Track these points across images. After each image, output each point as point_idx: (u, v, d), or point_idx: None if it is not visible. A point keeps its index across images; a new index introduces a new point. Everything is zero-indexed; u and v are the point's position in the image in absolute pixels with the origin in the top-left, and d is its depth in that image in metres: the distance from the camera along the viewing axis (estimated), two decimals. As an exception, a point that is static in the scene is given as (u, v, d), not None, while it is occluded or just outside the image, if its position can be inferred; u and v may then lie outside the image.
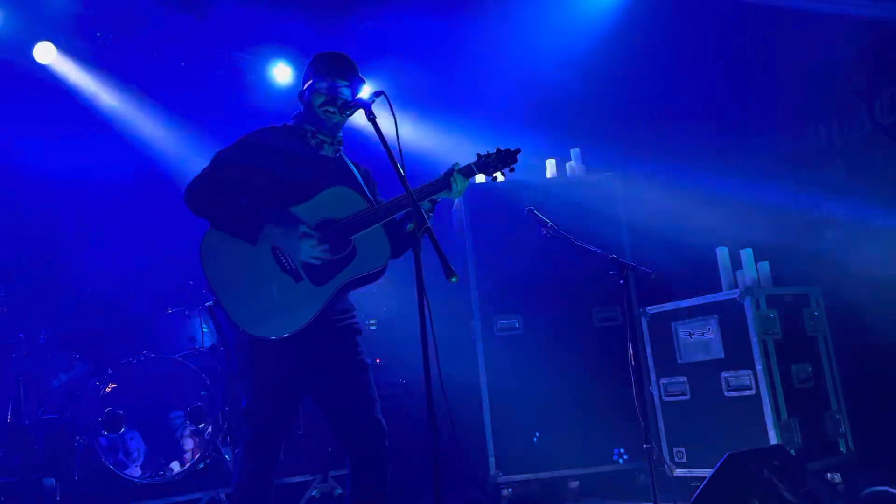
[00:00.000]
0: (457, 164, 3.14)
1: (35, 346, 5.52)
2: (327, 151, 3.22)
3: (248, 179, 3.06)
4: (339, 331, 3.10)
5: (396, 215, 3.08)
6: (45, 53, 6.32)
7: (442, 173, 3.12)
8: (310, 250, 2.96)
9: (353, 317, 3.18)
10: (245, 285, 2.96)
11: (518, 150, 3.25)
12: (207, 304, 3.05)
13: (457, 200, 5.42)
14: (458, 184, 3.09)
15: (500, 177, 3.34)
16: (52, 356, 5.61)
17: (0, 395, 5.37)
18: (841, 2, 5.15)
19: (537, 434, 5.08)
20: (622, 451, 5.07)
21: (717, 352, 4.64)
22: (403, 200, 3.01)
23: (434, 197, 3.12)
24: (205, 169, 3.07)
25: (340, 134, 3.26)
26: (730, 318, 4.58)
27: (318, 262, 2.97)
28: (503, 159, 3.22)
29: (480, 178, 5.50)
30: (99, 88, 6.67)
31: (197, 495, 5.15)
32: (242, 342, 2.99)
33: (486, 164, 3.21)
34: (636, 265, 4.01)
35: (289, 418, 3.09)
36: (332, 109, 3.13)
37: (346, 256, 3.02)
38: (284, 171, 3.08)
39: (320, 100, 3.14)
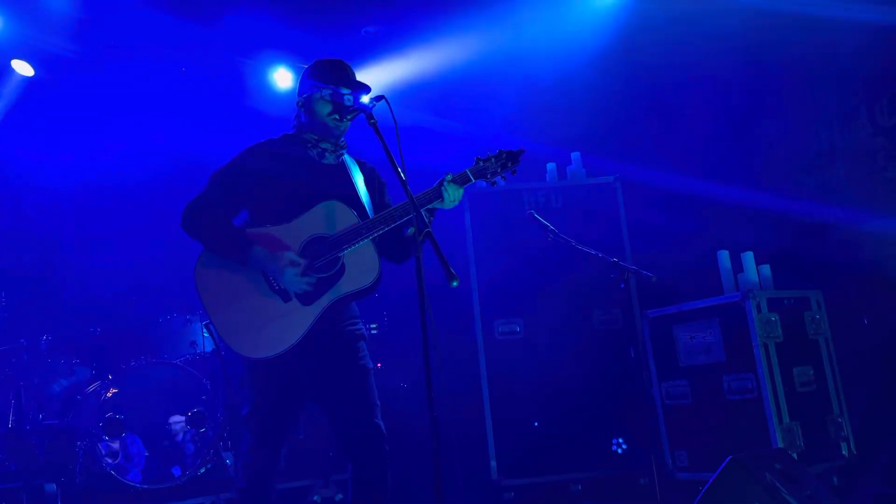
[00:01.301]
0: (449, 174, 3.05)
1: (36, 351, 5.52)
2: (330, 159, 3.22)
3: (247, 194, 3.09)
4: (343, 337, 3.11)
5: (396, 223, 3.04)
6: (23, 69, 6.32)
7: (437, 182, 3.06)
8: (293, 280, 2.96)
9: (357, 323, 3.19)
10: (235, 307, 3.00)
11: (521, 151, 3.12)
12: (205, 323, 3.08)
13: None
14: (451, 193, 3.02)
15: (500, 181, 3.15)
16: (52, 361, 5.61)
17: (1, 400, 5.37)
18: (841, 6, 5.15)
19: (536, 423, 5.06)
20: (620, 440, 5.06)
21: (719, 355, 4.63)
22: (395, 213, 3.01)
23: (429, 206, 3.05)
24: (200, 192, 3.09)
25: (343, 139, 3.26)
26: (731, 321, 4.57)
27: (301, 292, 2.98)
28: (503, 163, 3.09)
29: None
30: (98, 93, 6.67)
31: (198, 500, 5.14)
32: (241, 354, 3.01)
33: (485, 168, 3.08)
34: (637, 268, 4.01)
35: (289, 425, 3.11)
36: (338, 117, 3.13)
37: (335, 274, 3.03)
38: (284, 182, 3.09)
39: (327, 108, 3.13)
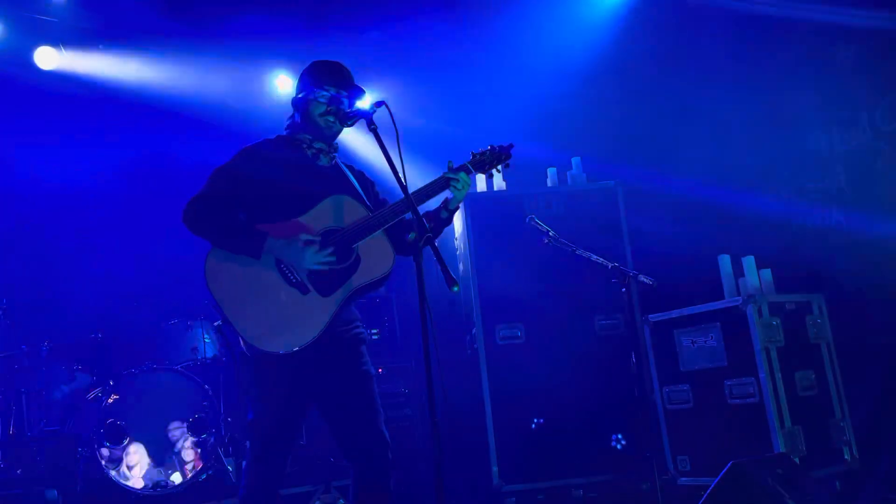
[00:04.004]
0: (451, 162, 3.16)
1: (37, 357, 5.52)
2: (324, 161, 3.22)
3: (245, 195, 3.06)
4: (345, 341, 3.09)
5: (406, 215, 3.07)
6: (47, 59, 6.37)
7: (438, 177, 3.14)
8: (314, 256, 2.95)
9: (358, 327, 3.17)
10: (252, 302, 2.94)
11: (511, 146, 3.29)
12: (216, 323, 3.04)
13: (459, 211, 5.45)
14: (463, 182, 3.12)
15: (494, 173, 3.37)
16: (54, 368, 5.61)
17: (2, 406, 5.37)
18: (841, 11, 5.16)
19: (537, 428, 5.05)
20: (619, 436, 5.04)
21: (720, 359, 4.62)
22: (407, 203, 3.01)
23: (450, 207, 3.16)
24: (201, 189, 3.06)
25: (336, 142, 3.26)
26: (732, 326, 4.57)
27: (325, 269, 2.97)
28: (497, 156, 3.26)
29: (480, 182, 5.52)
30: (99, 98, 6.70)
31: (199, 506, 5.15)
32: (249, 357, 2.99)
33: (482, 161, 3.25)
34: (638, 273, 4.01)
35: (294, 431, 3.10)
36: (332, 119, 3.13)
37: (351, 265, 3.02)
38: (282, 183, 3.07)
39: (321, 109, 3.13)
